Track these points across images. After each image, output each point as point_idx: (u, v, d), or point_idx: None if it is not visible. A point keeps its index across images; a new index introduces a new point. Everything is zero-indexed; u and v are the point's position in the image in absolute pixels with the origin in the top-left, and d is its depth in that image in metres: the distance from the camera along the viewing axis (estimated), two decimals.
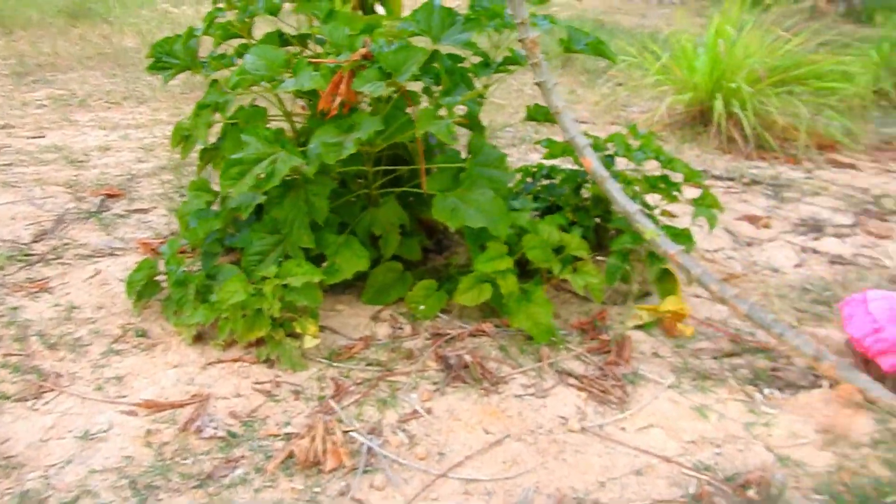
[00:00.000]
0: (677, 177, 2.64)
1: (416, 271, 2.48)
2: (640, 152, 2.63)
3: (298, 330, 2.11)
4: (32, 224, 2.88)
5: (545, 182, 2.90)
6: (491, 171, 2.32)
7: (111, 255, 2.66)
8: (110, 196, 3.21)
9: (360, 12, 2.64)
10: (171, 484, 1.62)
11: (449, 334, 2.21)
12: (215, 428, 1.80)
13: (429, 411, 1.90)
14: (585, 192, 2.77)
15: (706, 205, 2.59)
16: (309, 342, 2.10)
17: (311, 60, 2.23)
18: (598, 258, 2.54)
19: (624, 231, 2.40)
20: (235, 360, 2.05)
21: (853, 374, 1.95)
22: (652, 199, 2.71)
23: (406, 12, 2.45)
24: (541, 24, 2.62)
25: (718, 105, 4.07)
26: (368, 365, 2.08)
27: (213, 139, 2.51)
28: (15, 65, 5.64)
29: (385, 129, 2.22)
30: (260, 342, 2.09)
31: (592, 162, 2.24)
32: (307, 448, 1.72)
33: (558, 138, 2.62)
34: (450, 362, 2.08)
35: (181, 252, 2.39)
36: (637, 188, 2.65)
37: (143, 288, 2.25)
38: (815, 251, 2.91)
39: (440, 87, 2.37)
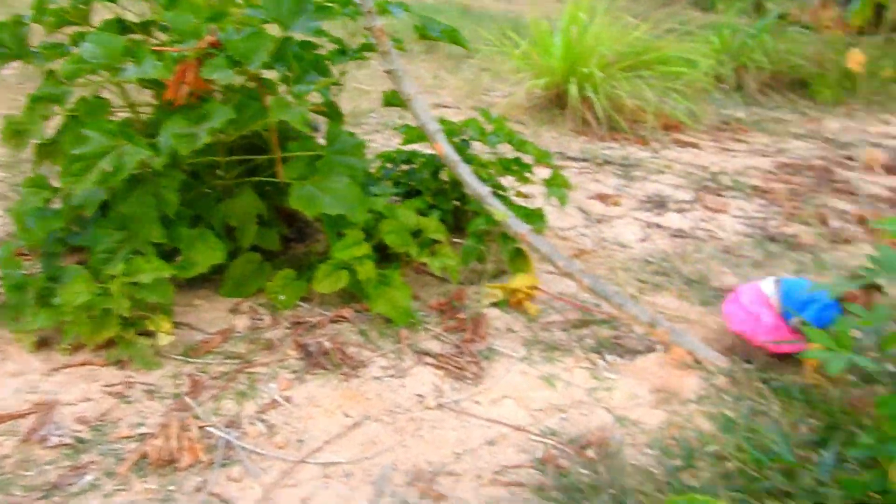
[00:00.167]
0: (531, 159, 2.76)
1: (276, 261, 2.47)
2: (494, 136, 2.73)
3: (151, 328, 2.06)
4: None
5: (405, 167, 2.95)
6: (348, 158, 2.35)
7: None
8: None
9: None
10: (14, 498, 1.56)
11: (309, 322, 2.23)
12: (61, 436, 1.74)
13: (288, 400, 1.91)
14: (444, 176, 2.85)
15: (557, 185, 2.73)
16: (163, 340, 2.05)
17: (154, 48, 2.16)
18: (457, 240, 2.62)
19: (480, 213, 2.48)
20: (83, 364, 1.98)
21: (683, 337, 2.12)
22: (508, 181, 2.81)
23: None
24: (394, 12, 2.66)
25: (573, 89, 4.26)
26: (227, 358, 2.06)
27: (54, 132, 2.38)
28: None
29: (238, 118, 2.19)
30: (110, 343, 2.02)
31: (444, 147, 2.31)
32: (161, 447, 1.70)
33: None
34: (310, 350, 2.09)
35: (19, 254, 2.26)
36: (492, 171, 2.75)
37: None
38: (658, 226, 3.12)
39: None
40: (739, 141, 4.50)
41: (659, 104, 4.43)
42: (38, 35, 2.33)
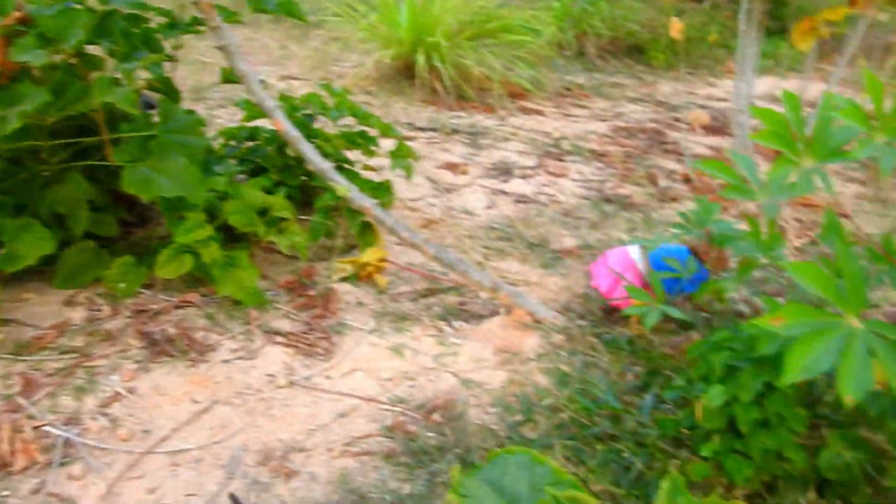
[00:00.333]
0: (376, 132, 2.78)
1: (115, 248, 2.37)
2: (336, 111, 2.72)
3: None
4: None
5: (250, 143, 2.89)
6: (185, 136, 2.28)
7: None
8: None
9: None
10: None
11: (153, 310, 2.17)
12: None
13: (132, 391, 1.86)
14: (291, 152, 2.81)
15: (402, 156, 2.77)
16: None
17: None
18: (306, 217, 2.61)
19: (327, 189, 2.49)
20: None
21: (524, 299, 2.25)
22: (357, 155, 2.82)
23: None
24: None
25: (420, 59, 4.31)
26: (63, 353, 1.97)
27: None
28: None
29: (57, 99, 2.07)
30: None
31: (283, 123, 2.29)
32: None
33: None
34: (154, 338, 2.04)
35: None
36: (337, 145, 2.75)
37: None
38: (503, 192, 3.25)
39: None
40: (580, 106, 4.73)
41: (505, 72, 4.56)
42: None
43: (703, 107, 4.91)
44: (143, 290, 2.25)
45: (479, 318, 2.26)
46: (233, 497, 1.55)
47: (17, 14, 1.98)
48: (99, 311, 2.15)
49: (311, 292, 2.32)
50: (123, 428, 1.74)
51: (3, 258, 2.04)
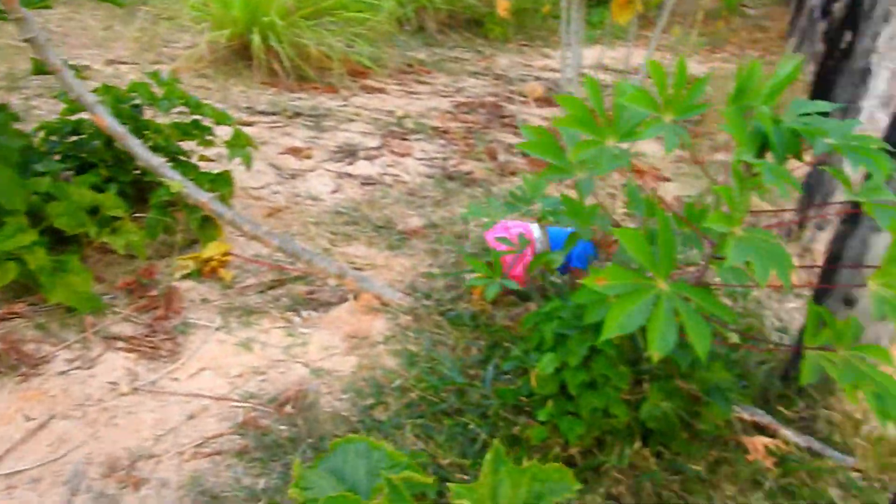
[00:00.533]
0: (210, 121, 2.71)
1: None
2: (166, 101, 2.62)
3: None
4: None
5: (74, 138, 2.72)
6: None
7: None
8: None
9: None
10: None
11: None
12: None
13: None
14: (121, 146, 2.68)
15: (240, 145, 2.72)
16: None
17: None
18: (142, 214, 2.51)
19: (162, 183, 2.41)
20: None
21: (370, 282, 2.30)
22: (193, 146, 2.74)
23: None
24: None
25: (256, 39, 4.19)
26: None
27: None
28: None
29: None
30: None
31: (105, 119, 2.19)
32: None
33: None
34: None
35: None
36: (170, 136, 2.66)
37: None
38: (349, 175, 3.27)
39: None
40: (422, 83, 4.80)
41: (345, 50, 4.53)
42: None
43: (538, 78, 5.12)
44: None
45: (327, 305, 2.29)
46: None
47: None
48: None
49: (153, 292, 2.25)
50: None
51: None
